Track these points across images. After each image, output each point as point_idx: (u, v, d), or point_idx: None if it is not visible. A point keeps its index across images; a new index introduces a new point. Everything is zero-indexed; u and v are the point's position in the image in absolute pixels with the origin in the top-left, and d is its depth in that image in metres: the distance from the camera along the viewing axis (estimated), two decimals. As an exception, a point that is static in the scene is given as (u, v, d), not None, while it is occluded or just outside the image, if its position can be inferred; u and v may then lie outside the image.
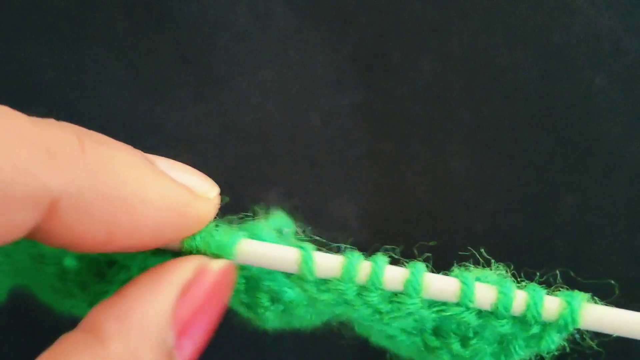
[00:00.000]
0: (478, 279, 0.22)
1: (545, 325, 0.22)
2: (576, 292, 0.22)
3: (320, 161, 0.38)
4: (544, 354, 0.22)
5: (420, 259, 0.23)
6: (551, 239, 0.37)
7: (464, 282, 0.22)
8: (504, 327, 0.22)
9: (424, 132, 0.37)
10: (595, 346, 0.22)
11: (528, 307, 0.21)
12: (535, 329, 0.22)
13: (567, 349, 0.22)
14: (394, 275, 0.22)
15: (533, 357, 0.23)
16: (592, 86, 0.36)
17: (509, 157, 0.37)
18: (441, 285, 0.22)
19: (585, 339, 0.22)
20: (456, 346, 0.23)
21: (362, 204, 0.38)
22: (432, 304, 0.22)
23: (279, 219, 0.23)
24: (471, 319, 0.22)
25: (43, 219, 0.18)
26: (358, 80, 0.37)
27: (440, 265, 0.39)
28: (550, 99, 0.36)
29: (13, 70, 0.38)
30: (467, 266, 0.23)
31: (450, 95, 0.37)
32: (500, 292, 0.22)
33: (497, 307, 0.22)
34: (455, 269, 0.23)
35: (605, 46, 0.36)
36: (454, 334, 0.23)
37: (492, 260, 0.24)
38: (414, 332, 0.23)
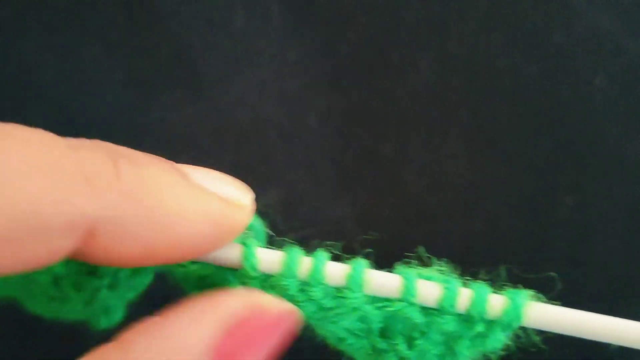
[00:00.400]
0: (423, 277, 0.22)
1: (490, 324, 0.22)
2: (520, 289, 0.22)
3: (317, 161, 0.38)
4: (490, 354, 0.22)
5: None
6: (550, 239, 0.37)
7: (405, 278, 0.22)
8: (449, 324, 0.22)
9: (422, 132, 0.37)
10: (539, 342, 0.22)
11: (473, 304, 0.22)
12: (480, 327, 0.22)
13: (513, 348, 0.22)
14: (335, 270, 0.22)
15: (480, 358, 0.23)
16: (592, 86, 0.36)
17: (507, 158, 0.37)
18: (383, 281, 0.22)
19: (530, 336, 0.22)
20: (402, 347, 0.23)
21: (359, 204, 0.38)
22: (375, 300, 0.22)
23: None
24: (415, 315, 0.22)
25: (81, 243, 0.18)
26: (356, 80, 0.37)
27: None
28: (550, 99, 0.36)
29: (12, 70, 0.38)
30: (409, 263, 0.23)
31: (449, 96, 0.37)
32: (445, 288, 0.22)
33: (442, 304, 0.22)
34: (398, 266, 0.23)
35: (605, 46, 0.36)
36: (400, 334, 0.23)
37: (433, 259, 0.24)
38: (362, 334, 0.23)
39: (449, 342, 0.23)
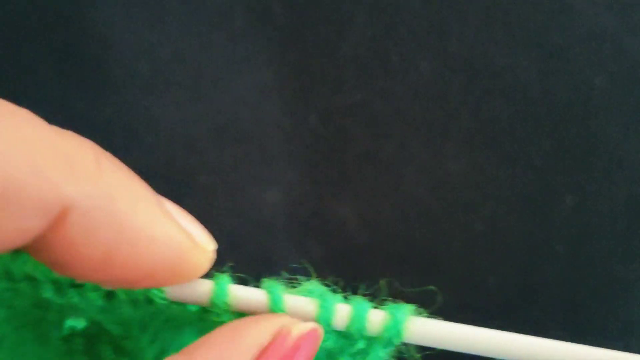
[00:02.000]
0: (295, 292, 0.21)
1: (371, 340, 0.21)
2: (401, 304, 0.21)
3: (318, 161, 0.38)
4: None
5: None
6: (550, 239, 0.37)
7: (272, 295, 0.21)
8: (326, 342, 0.21)
9: (422, 132, 0.37)
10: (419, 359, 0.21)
11: (351, 321, 0.21)
12: (360, 344, 0.21)
13: None
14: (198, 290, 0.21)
15: None
16: (592, 86, 0.36)
17: (508, 158, 0.37)
18: (248, 298, 0.21)
19: (412, 353, 0.21)
20: None
21: (360, 204, 0.38)
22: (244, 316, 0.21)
23: None
24: None
25: (49, 228, 0.18)
26: (356, 80, 0.37)
27: (439, 266, 0.40)
28: (550, 99, 0.36)
29: (12, 70, 0.38)
30: (278, 277, 0.22)
31: (449, 96, 0.37)
32: (320, 306, 0.21)
33: (318, 322, 0.21)
34: (266, 280, 0.22)
35: (605, 46, 0.36)
36: None
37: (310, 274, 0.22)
38: None
39: (330, 355, 0.22)
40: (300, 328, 0.20)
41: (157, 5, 0.37)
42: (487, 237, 0.37)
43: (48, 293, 0.22)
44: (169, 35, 0.37)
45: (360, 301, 0.21)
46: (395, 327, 0.21)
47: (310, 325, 0.21)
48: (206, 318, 0.22)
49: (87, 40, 0.38)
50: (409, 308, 0.21)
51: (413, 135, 0.37)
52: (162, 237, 0.19)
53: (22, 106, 0.18)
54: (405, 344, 0.21)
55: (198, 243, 0.20)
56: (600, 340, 0.22)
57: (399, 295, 0.22)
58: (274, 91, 0.37)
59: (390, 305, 0.21)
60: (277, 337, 0.20)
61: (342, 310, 0.21)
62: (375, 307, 0.21)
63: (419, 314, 0.21)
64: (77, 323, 0.23)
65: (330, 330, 0.21)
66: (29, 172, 0.17)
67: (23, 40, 0.38)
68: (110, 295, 0.22)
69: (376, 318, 0.21)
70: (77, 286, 0.22)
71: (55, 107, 0.38)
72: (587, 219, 0.36)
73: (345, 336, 0.21)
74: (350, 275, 0.24)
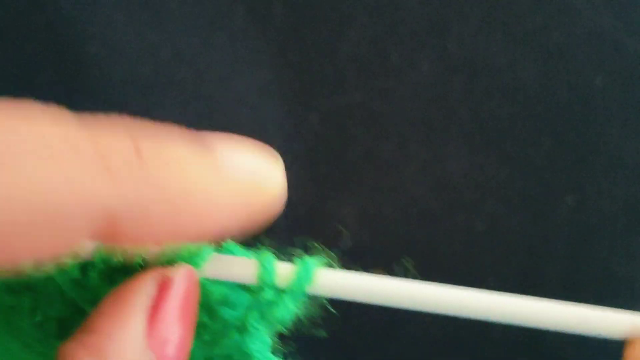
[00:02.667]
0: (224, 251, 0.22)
1: (279, 293, 0.21)
2: (310, 257, 0.21)
3: (318, 161, 0.38)
4: (281, 327, 0.22)
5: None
6: (550, 239, 0.37)
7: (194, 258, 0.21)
8: (239, 300, 0.21)
9: (422, 132, 0.37)
10: (319, 312, 0.22)
11: (260, 274, 0.21)
12: (268, 296, 0.21)
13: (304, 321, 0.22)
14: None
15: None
16: (592, 86, 0.36)
17: (508, 157, 0.37)
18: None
19: (315, 307, 0.22)
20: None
21: (360, 204, 0.38)
22: None
23: None
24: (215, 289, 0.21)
25: (101, 233, 0.17)
26: (356, 80, 0.37)
27: (439, 266, 0.40)
28: (550, 99, 0.36)
29: (12, 70, 0.38)
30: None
31: (449, 96, 0.37)
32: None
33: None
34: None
35: (605, 46, 0.36)
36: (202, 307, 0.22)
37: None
38: None
39: (243, 319, 0.22)
40: (179, 272, 0.20)
41: (157, 6, 0.37)
42: (487, 237, 0.37)
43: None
44: (169, 35, 0.37)
45: (267, 254, 0.21)
46: (303, 277, 0.21)
47: (184, 266, 0.20)
48: None
49: (87, 40, 0.37)
50: (318, 260, 0.21)
51: (413, 135, 0.37)
52: (222, 198, 0.18)
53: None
54: (314, 298, 0.21)
55: (262, 182, 0.19)
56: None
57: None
58: (274, 91, 0.37)
59: (300, 259, 0.21)
60: (162, 286, 0.20)
61: (250, 265, 0.21)
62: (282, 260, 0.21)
63: (329, 267, 0.21)
64: (50, 309, 0.23)
65: (237, 285, 0.21)
66: (67, 188, 0.16)
67: (23, 40, 0.38)
68: (86, 267, 0.21)
69: (284, 270, 0.21)
70: None
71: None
72: (587, 218, 0.36)
73: (253, 291, 0.21)
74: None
